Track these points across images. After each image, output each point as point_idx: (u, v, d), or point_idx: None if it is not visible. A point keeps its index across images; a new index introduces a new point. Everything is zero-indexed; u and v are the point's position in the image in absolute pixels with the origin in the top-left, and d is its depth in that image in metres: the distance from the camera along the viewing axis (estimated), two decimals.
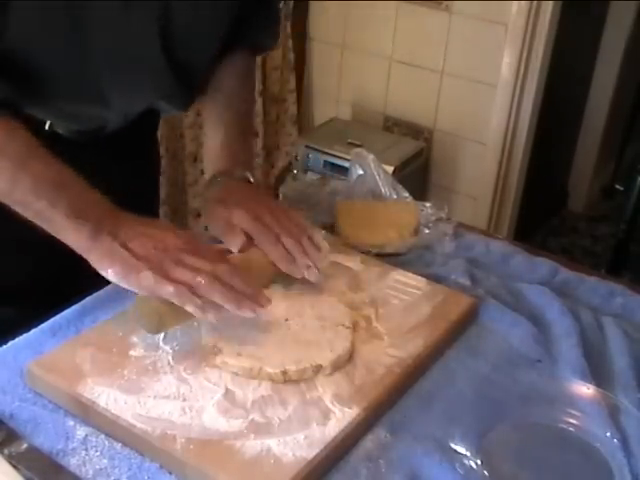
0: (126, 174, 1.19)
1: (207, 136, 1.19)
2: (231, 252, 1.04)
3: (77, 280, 0.99)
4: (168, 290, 0.88)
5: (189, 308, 0.88)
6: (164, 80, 1.06)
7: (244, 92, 1.23)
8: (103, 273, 0.91)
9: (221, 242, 1.07)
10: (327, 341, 0.95)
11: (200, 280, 0.88)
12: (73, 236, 0.91)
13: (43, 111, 1.07)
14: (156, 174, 1.38)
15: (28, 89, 0.99)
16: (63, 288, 1.05)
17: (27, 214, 0.92)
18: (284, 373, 0.89)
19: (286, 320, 0.98)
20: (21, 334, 0.97)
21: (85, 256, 0.91)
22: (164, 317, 0.92)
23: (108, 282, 1.06)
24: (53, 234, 0.93)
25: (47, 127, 1.08)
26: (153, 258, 0.89)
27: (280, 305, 1.00)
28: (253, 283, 0.93)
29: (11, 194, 0.92)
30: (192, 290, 0.88)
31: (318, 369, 0.91)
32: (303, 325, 0.97)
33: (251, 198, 1.09)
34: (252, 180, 1.13)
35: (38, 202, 0.91)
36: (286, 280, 1.04)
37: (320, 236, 1.08)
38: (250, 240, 1.04)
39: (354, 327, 0.99)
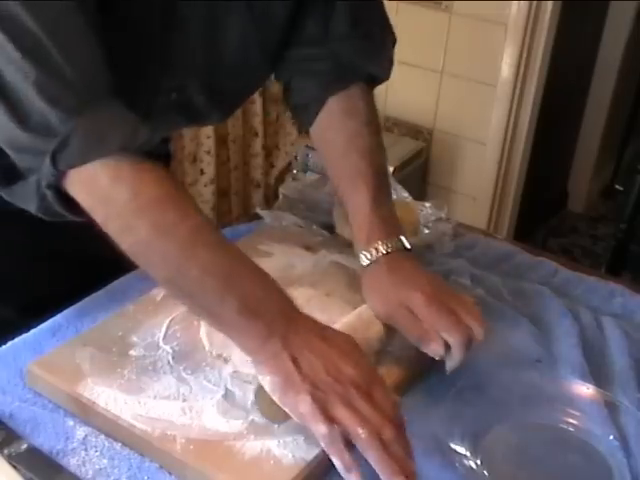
0: None
1: (349, 195, 1.03)
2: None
3: (77, 281, 0.99)
4: (321, 429, 0.76)
5: (334, 459, 0.76)
6: (202, 108, 1.01)
7: (373, 137, 1.05)
8: (261, 379, 0.82)
9: None
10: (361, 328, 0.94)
11: (361, 433, 0.76)
12: (241, 335, 0.82)
13: None
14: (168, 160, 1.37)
15: None
16: (64, 289, 1.05)
17: (192, 307, 0.86)
18: None
19: None
20: (21, 334, 0.97)
21: (250, 356, 0.83)
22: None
23: (108, 283, 1.06)
24: (218, 330, 0.86)
25: None
26: (320, 385, 0.78)
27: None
28: (411, 451, 0.79)
29: (176, 283, 0.84)
30: (346, 436, 0.77)
31: None
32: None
33: (428, 282, 0.95)
34: (408, 246, 1.00)
35: (205, 295, 0.82)
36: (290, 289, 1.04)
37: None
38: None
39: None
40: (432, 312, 0.91)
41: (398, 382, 0.93)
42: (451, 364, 0.92)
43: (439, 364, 0.93)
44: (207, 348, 0.93)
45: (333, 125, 1.06)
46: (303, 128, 1.11)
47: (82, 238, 0.91)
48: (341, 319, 0.96)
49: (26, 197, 0.86)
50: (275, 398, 0.80)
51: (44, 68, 0.78)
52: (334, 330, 0.86)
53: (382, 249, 0.97)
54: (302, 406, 0.78)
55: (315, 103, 1.06)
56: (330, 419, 0.77)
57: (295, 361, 0.79)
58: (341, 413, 0.77)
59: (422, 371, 0.96)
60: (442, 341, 0.90)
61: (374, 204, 1.00)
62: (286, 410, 0.80)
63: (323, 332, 0.83)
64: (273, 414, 0.83)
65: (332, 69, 1.05)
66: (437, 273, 1.02)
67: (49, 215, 0.86)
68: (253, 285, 0.83)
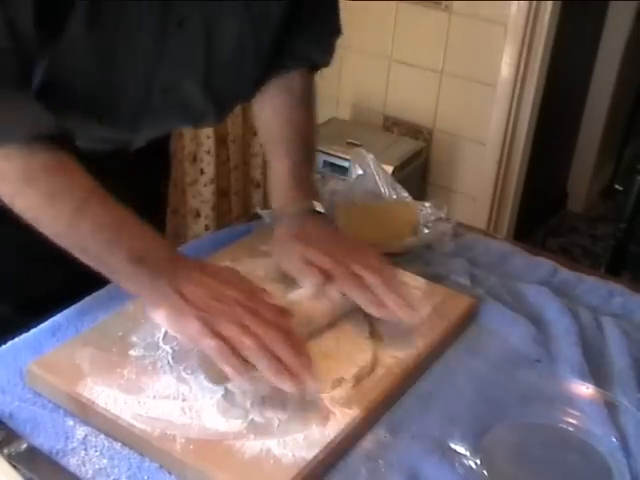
0: (138, 174, 1.19)
1: (271, 161, 1.13)
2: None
3: (75, 279, 0.99)
4: (210, 344, 0.83)
5: (225, 368, 0.83)
6: (197, 107, 1.04)
7: (304, 111, 1.16)
8: (153, 316, 0.88)
9: None
10: (346, 354, 0.94)
11: (247, 342, 0.83)
12: (130, 280, 0.89)
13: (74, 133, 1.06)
14: (167, 173, 1.38)
15: (63, 113, 0.98)
16: (64, 288, 1.05)
17: (84, 258, 0.90)
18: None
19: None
20: (19, 333, 0.97)
21: (141, 298, 0.90)
22: None
23: (107, 282, 1.06)
24: (110, 278, 0.91)
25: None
26: (204, 307, 0.85)
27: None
28: (306, 352, 0.86)
29: (69, 238, 0.90)
30: (235, 349, 0.83)
31: (339, 382, 0.90)
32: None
33: (328, 236, 1.05)
34: (321, 210, 1.08)
35: (96, 246, 0.89)
36: (285, 285, 1.05)
37: (401, 274, 1.03)
38: (328, 279, 0.98)
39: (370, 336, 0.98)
40: (325, 263, 0.99)
41: (396, 384, 0.93)
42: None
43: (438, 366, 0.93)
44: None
45: (267, 98, 1.15)
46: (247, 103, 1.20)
47: None
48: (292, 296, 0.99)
49: None
50: (169, 329, 0.88)
51: None
52: (215, 265, 0.94)
53: (291, 209, 1.06)
54: (190, 328, 0.84)
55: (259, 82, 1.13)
56: (218, 335, 0.83)
57: (181, 294, 0.86)
58: (227, 328, 0.84)
59: (419, 373, 0.97)
60: (317, 273, 0.98)
61: (292, 169, 1.10)
62: (179, 335, 0.87)
63: (205, 268, 0.91)
64: (216, 377, 0.87)
65: (277, 55, 1.12)
66: (344, 233, 1.10)
67: None
68: (140, 236, 0.90)
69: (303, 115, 1.15)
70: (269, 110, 1.15)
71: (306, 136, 1.14)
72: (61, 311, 1.01)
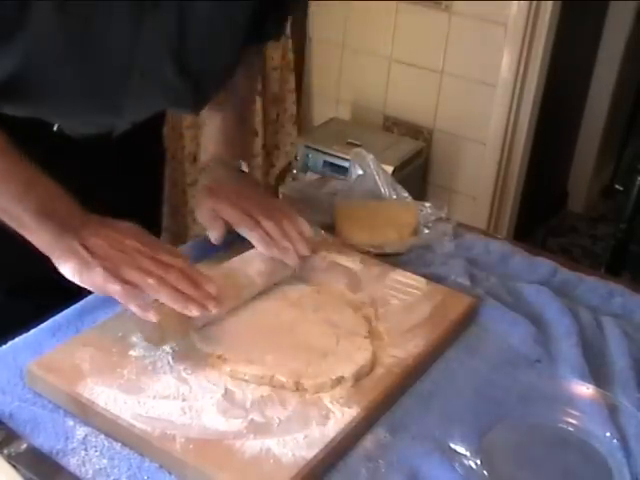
0: (131, 170, 1.19)
1: (206, 122, 1.21)
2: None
3: None
4: (115, 288, 0.89)
5: (132, 307, 0.89)
6: (175, 89, 1.05)
7: (245, 81, 1.23)
8: (61, 269, 0.92)
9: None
10: (345, 353, 0.94)
11: (150, 282, 0.90)
12: (37, 235, 0.93)
13: (52, 118, 1.07)
14: (161, 169, 1.39)
15: (38, 103, 1.00)
16: (55, 273, 1.05)
17: None
18: (297, 383, 0.89)
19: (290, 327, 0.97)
20: (20, 331, 0.97)
21: (47, 253, 0.93)
22: (166, 328, 0.92)
23: None
24: (19, 231, 0.94)
25: (55, 128, 1.09)
26: (108, 258, 0.91)
27: (281, 309, 1.00)
28: (207, 282, 0.93)
29: None
30: (140, 291, 0.90)
31: (338, 381, 0.90)
32: (310, 331, 0.97)
33: (239, 192, 1.11)
34: (246, 169, 1.15)
35: (5, 199, 0.93)
36: (282, 283, 1.05)
37: (305, 223, 1.10)
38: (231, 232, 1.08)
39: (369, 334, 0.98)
40: (230, 216, 1.08)
41: (396, 384, 0.93)
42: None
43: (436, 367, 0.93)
44: (198, 346, 0.93)
45: None
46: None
47: None
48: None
49: None
50: (76, 280, 0.91)
51: None
52: (120, 221, 0.98)
53: (213, 164, 1.15)
54: (96, 277, 0.90)
55: None
56: (122, 281, 0.90)
57: (85, 247, 0.92)
58: (130, 274, 0.90)
59: (419, 373, 0.97)
60: (222, 228, 1.08)
61: (222, 129, 1.18)
62: (86, 286, 0.91)
63: (109, 223, 0.96)
64: (154, 336, 0.92)
65: None
66: (259, 190, 1.18)
67: None
68: (47, 192, 0.94)
69: (245, 84, 1.23)
70: None
71: (243, 101, 1.24)
72: (61, 310, 1.01)
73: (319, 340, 0.96)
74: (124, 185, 1.18)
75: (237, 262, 1.06)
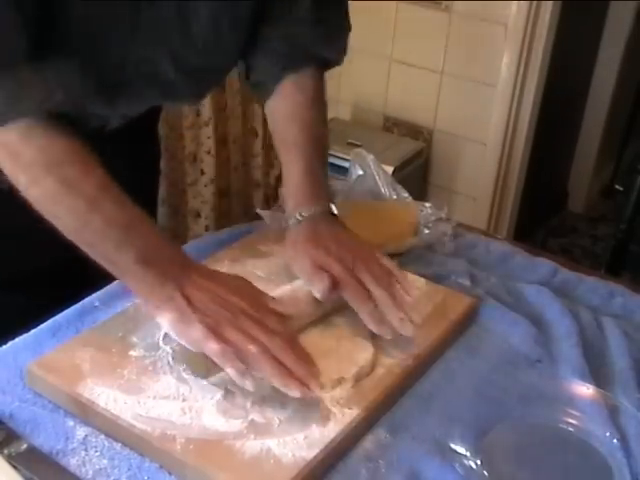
0: (126, 168, 1.19)
1: (285, 163, 1.12)
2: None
3: (64, 258, 0.99)
4: (213, 347, 0.84)
5: (229, 370, 0.84)
6: (172, 83, 1.04)
7: (315, 112, 1.14)
8: (158, 319, 0.89)
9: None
10: (346, 353, 0.94)
11: (251, 348, 0.84)
12: (137, 282, 0.90)
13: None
14: (156, 168, 1.38)
15: None
16: (50, 266, 1.05)
17: (93, 254, 0.90)
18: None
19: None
20: (17, 328, 0.97)
21: (144, 302, 0.91)
22: (211, 362, 0.87)
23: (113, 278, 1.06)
24: (117, 277, 0.92)
25: None
26: (210, 313, 0.86)
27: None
28: (310, 360, 0.87)
29: (79, 234, 0.90)
30: (239, 355, 0.84)
31: (339, 382, 0.90)
32: (311, 331, 0.97)
33: (340, 239, 1.03)
34: (335, 212, 1.08)
35: (104, 244, 0.89)
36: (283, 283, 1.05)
37: (410, 282, 1.02)
38: (335, 286, 0.97)
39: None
40: (334, 269, 0.98)
41: (396, 384, 0.93)
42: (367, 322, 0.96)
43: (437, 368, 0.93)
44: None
45: (282, 98, 1.14)
46: (260, 102, 1.20)
47: None
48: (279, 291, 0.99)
49: None
50: (173, 333, 0.87)
51: None
52: (225, 273, 0.95)
53: (305, 212, 1.05)
54: (195, 333, 0.85)
55: (272, 81, 1.13)
56: (222, 340, 0.84)
57: (187, 299, 0.87)
58: (231, 334, 0.84)
59: (419, 373, 0.96)
60: (327, 279, 0.96)
61: (306, 172, 1.08)
62: (183, 341, 0.86)
63: (214, 274, 0.92)
64: (200, 369, 0.88)
65: (288, 51, 1.11)
66: (355, 236, 1.07)
67: None
68: (149, 237, 0.91)
69: (316, 116, 1.14)
70: (282, 111, 1.14)
71: (319, 137, 1.13)
72: (61, 311, 1.01)
73: (320, 340, 0.96)
74: (118, 183, 1.18)
75: (290, 293, 1.00)
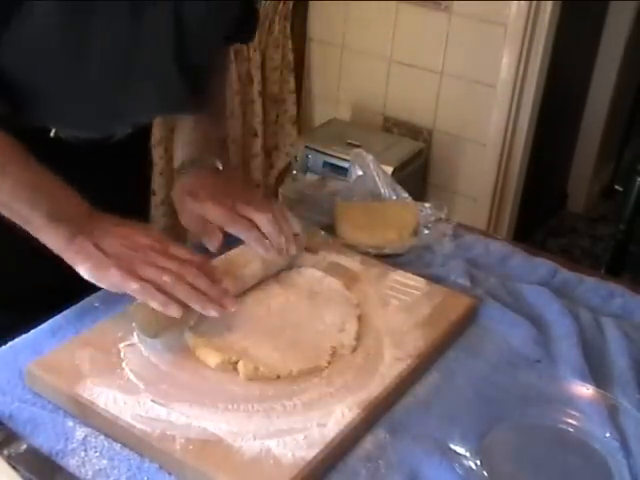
0: (120, 172, 1.19)
1: (177, 131, 1.20)
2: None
3: (76, 284, 0.99)
4: (133, 287, 0.90)
5: (153, 304, 0.90)
6: (174, 91, 1.05)
7: (218, 81, 1.22)
8: (77, 270, 0.93)
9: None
10: (336, 325, 0.98)
11: (165, 279, 0.90)
12: (51, 237, 0.94)
13: (51, 123, 1.08)
14: (148, 172, 1.39)
15: (38, 108, 1.01)
16: (50, 284, 1.05)
17: (8, 215, 0.95)
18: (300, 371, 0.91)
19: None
20: (11, 332, 0.97)
21: (61, 255, 0.94)
22: (160, 321, 0.92)
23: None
24: (33, 235, 0.95)
25: (52, 134, 1.09)
26: (122, 257, 0.92)
27: (274, 307, 1.01)
28: (222, 281, 0.95)
29: None
30: (158, 288, 0.90)
31: (333, 352, 0.94)
32: (301, 327, 0.98)
33: (222, 190, 1.09)
34: (220, 167, 1.14)
35: (17, 204, 0.94)
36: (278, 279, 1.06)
37: (295, 220, 1.10)
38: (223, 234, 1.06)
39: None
40: (217, 217, 1.06)
41: (396, 384, 0.93)
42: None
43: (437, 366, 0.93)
44: (190, 343, 0.94)
45: None
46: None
47: None
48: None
49: None
50: (93, 281, 0.92)
51: None
52: (130, 220, 0.98)
53: (191, 166, 1.13)
54: (112, 276, 0.91)
55: None
56: (139, 279, 0.90)
57: (98, 247, 0.92)
58: (146, 271, 0.91)
59: (419, 373, 0.97)
60: (218, 236, 1.05)
61: (195, 127, 1.17)
62: (104, 286, 0.92)
63: (121, 222, 0.97)
64: (150, 329, 0.93)
65: None
66: (234, 180, 1.16)
67: None
68: (58, 194, 0.96)
69: (220, 85, 1.24)
70: None
71: (218, 103, 1.23)
72: (60, 312, 1.01)
73: (306, 334, 0.97)
74: (110, 186, 1.18)
75: (233, 255, 1.05)
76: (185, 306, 0.90)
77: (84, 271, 0.92)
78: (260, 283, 1.05)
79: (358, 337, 0.97)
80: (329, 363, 0.93)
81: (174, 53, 1.00)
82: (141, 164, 1.32)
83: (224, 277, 0.98)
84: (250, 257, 1.05)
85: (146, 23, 0.95)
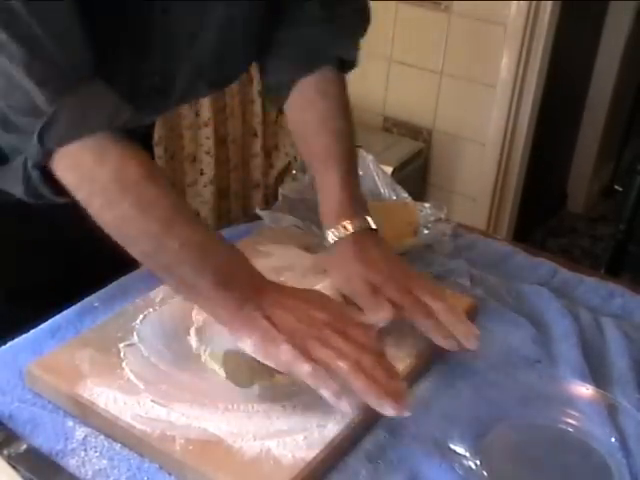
0: None
1: (320, 175, 1.08)
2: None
3: (67, 271, 0.99)
4: (305, 369, 0.81)
5: (324, 392, 0.81)
6: (190, 93, 1.04)
7: (345, 122, 1.11)
8: (241, 344, 0.85)
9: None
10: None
11: (341, 365, 0.81)
12: (216, 306, 0.86)
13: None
14: None
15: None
16: (54, 279, 1.05)
17: (169, 280, 0.90)
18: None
19: None
20: (20, 334, 0.97)
21: (226, 326, 0.87)
22: (256, 371, 0.86)
23: (110, 282, 1.06)
24: (194, 303, 0.91)
25: None
26: (295, 332, 0.83)
27: None
28: (398, 375, 0.86)
29: (155, 257, 0.87)
30: (330, 373, 0.81)
31: None
32: None
33: (390, 260, 1.01)
34: (375, 227, 1.04)
35: (182, 268, 0.86)
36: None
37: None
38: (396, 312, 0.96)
39: None
40: (391, 289, 0.96)
41: (409, 371, 0.93)
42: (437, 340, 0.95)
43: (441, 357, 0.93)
44: (194, 347, 0.93)
45: (306, 105, 1.10)
46: (277, 107, 1.16)
47: (68, 226, 0.94)
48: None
49: (12, 180, 0.89)
50: (259, 357, 0.83)
51: (32, 50, 0.80)
52: (301, 289, 0.91)
53: (350, 227, 1.02)
54: (284, 355, 0.82)
55: (287, 84, 1.10)
56: (312, 360, 0.81)
57: (269, 319, 0.84)
58: (321, 352, 0.81)
59: (419, 373, 0.97)
60: (391, 309, 0.94)
61: (344, 184, 1.04)
62: (270, 364, 0.83)
63: (291, 291, 0.89)
64: (238, 379, 0.87)
65: (300, 52, 1.10)
66: (403, 259, 1.06)
67: (34, 198, 0.89)
68: (226, 258, 0.88)
69: (346, 126, 1.10)
70: (310, 120, 1.10)
71: (352, 149, 1.10)
72: (61, 311, 1.01)
73: None
74: None
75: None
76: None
77: (251, 344, 0.83)
78: None
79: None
80: None
81: (191, 63, 0.99)
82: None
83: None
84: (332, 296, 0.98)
85: (158, 33, 0.93)
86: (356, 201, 1.05)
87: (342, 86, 1.12)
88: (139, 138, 1.12)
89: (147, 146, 1.31)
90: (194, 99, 1.09)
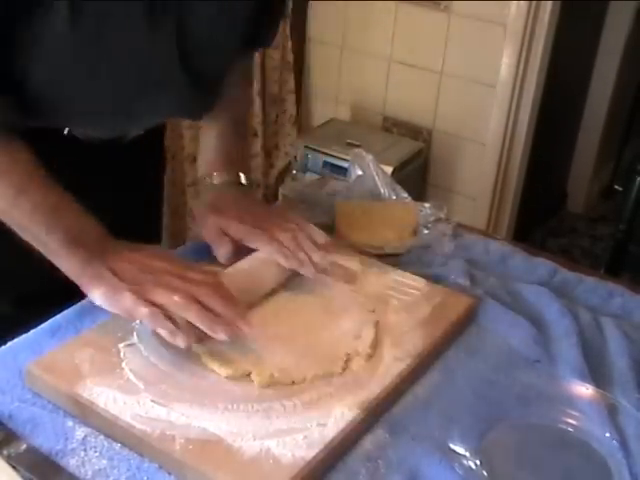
0: (134, 176, 1.19)
1: (202, 137, 1.19)
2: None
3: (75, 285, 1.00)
4: (143, 312, 0.87)
5: (161, 332, 0.87)
6: (184, 95, 1.05)
7: (241, 91, 1.22)
8: (91, 297, 0.92)
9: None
10: (352, 330, 0.97)
11: (176, 299, 0.87)
12: (66, 262, 0.93)
13: (64, 124, 1.08)
14: (161, 175, 1.39)
15: (53, 114, 1.00)
16: (61, 286, 1.05)
17: (24, 236, 0.94)
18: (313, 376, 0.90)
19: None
20: (16, 329, 0.97)
21: (76, 281, 0.93)
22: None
23: None
24: (48, 258, 0.94)
25: (65, 132, 1.09)
26: (136, 280, 0.90)
27: (287, 311, 1.01)
28: (239, 303, 0.92)
29: (10, 216, 0.94)
30: (169, 313, 0.87)
31: (347, 359, 0.93)
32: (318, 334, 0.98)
33: (245, 208, 1.09)
34: (245, 182, 1.14)
35: (35, 227, 0.93)
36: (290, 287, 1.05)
37: (317, 231, 1.08)
38: (239, 251, 1.04)
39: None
40: (237, 231, 1.05)
41: (395, 384, 0.93)
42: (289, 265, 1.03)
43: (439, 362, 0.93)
44: (194, 346, 0.93)
45: None
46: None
47: None
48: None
49: None
50: (106, 307, 0.90)
51: None
52: (147, 245, 0.98)
53: (214, 181, 1.12)
54: (124, 301, 0.88)
55: None
56: (150, 303, 0.87)
57: (113, 271, 0.91)
58: (158, 295, 0.88)
59: (419, 373, 0.97)
60: (229, 243, 1.05)
61: (220, 142, 1.16)
62: (116, 312, 0.90)
63: (138, 247, 0.95)
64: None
65: None
66: (260, 202, 1.18)
67: None
68: (74, 219, 0.94)
69: (237, 94, 1.21)
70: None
71: (240, 113, 1.21)
72: (61, 311, 1.01)
73: (325, 321, 0.98)
74: (125, 188, 1.18)
75: (248, 264, 1.04)
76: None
77: (98, 296, 0.90)
78: (271, 292, 1.04)
79: (374, 345, 0.96)
80: (343, 369, 0.92)
81: (181, 61, 1.00)
82: (155, 162, 1.33)
83: (239, 293, 0.95)
84: (262, 266, 1.04)
85: (157, 26, 0.95)
86: (230, 158, 1.15)
87: (250, 62, 1.27)
88: (151, 135, 1.17)
89: (159, 144, 1.32)
90: (195, 109, 1.11)
